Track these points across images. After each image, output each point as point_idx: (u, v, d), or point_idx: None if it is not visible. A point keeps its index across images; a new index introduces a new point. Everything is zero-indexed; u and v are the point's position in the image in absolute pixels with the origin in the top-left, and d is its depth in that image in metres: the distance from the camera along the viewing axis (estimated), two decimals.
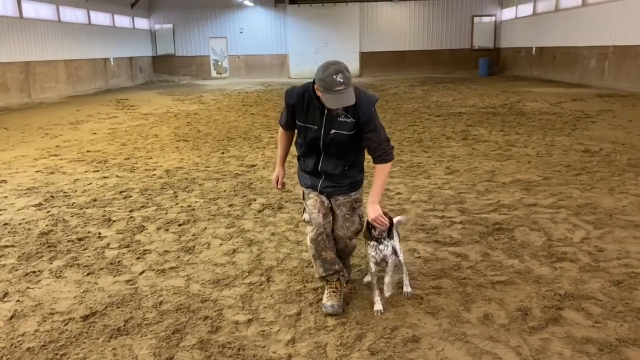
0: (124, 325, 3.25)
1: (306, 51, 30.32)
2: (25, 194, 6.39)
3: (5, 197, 6.25)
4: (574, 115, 11.67)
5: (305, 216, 3.40)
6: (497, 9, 29.61)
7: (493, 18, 29.89)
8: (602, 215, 5.05)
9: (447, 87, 20.48)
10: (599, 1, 19.01)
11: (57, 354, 2.95)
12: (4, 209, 5.75)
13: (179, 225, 5.14)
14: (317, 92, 3.03)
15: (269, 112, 14.04)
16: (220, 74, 31.54)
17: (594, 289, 3.56)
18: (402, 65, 30.46)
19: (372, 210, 3.23)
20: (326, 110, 3.09)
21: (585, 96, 15.55)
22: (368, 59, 30.50)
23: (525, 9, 26.10)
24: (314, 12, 30.17)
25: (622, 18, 17.50)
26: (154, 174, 7.31)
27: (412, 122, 11.54)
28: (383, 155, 3.23)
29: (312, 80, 3.09)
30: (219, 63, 31.54)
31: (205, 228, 5.03)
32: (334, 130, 3.15)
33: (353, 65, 30.60)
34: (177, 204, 5.86)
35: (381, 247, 3.33)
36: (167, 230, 5.02)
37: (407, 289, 3.53)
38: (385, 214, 3.27)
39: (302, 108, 3.18)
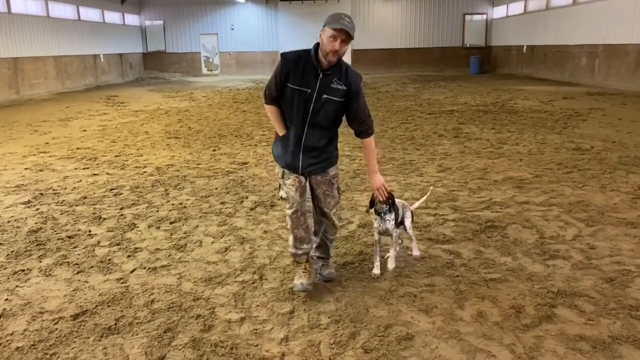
0: (115, 324, 3.21)
1: (297, 48, 29.98)
2: (14, 191, 6.31)
3: None
4: (565, 114, 11.73)
5: (282, 193, 3.53)
6: (488, 7, 29.68)
7: (484, 16, 29.96)
8: (594, 213, 5.06)
9: (439, 85, 20.51)
10: (589, 0, 19.10)
11: (46, 354, 2.90)
12: None
13: (171, 223, 5.10)
14: (320, 37, 3.22)
15: (261, 110, 13.97)
16: (211, 71, 31.39)
17: (586, 287, 3.56)
18: (394, 62, 30.48)
19: (376, 180, 3.52)
20: (320, 75, 3.24)
21: (575, 94, 15.63)
22: (359, 57, 30.45)
23: (516, 7, 26.20)
24: (305, 9, 30.08)
25: (612, 17, 17.60)
26: (145, 172, 7.25)
27: (404, 120, 11.53)
28: (368, 129, 3.45)
29: (309, 49, 3.32)
30: (210, 60, 31.38)
31: (197, 226, 4.99)
32: (325, 95, 3.27)
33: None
34: (168, 201, 5.81)
35: (380, 221, 3.70)
36: (158, 228, 4.97)
37: (415, 252, 4.10)
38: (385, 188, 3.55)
39: (298, 71, 3.25)
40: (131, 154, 8.53)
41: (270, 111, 3.50)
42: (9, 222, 5.17)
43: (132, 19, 29.94)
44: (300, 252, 3.57)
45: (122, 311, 3.37)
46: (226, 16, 30.72)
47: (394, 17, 30.38)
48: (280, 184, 3.57)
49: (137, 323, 3.22)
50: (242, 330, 3.12)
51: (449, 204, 5.46)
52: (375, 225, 3.76)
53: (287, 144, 3.43)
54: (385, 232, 3.76)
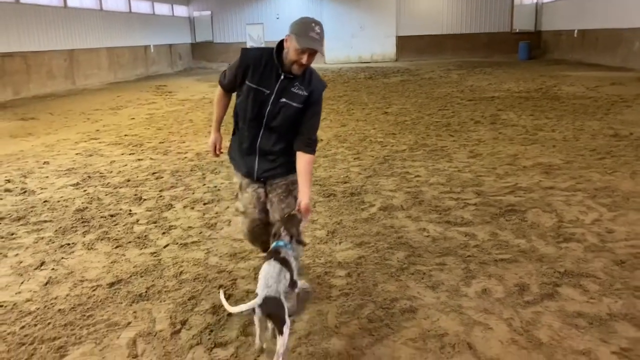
0: (146, 291, 3.55)
1: (342, 36, 30.25)
2: (65, 174, 6.81)
3: (47, 177, 6.68)
4: (609, 100, 11.42)
5: (239, 205, 3.34)
6: None
7: (534, 0, 29.10)
8: (619, 198, 5.06)
9: (484, 72, 20.19)
10: None
11: (84, 315, 3.26)
12: (45, 188, 6.17)
13: (204, 204, 5.43)
14: (286, 42, 2.94)
15: None
16: None
17: (595, 268, 3.64)
18: (440, 49, 30.07)
19: (309, 201, 3.03)
20: (282, 77, 2.98)
21: (625, 80, 15.12)
22: (404, 43, 30.23)
23: None
24: None
25: None
26: (186, 157, 7.64)
27: (443, 107, 11.53)
28: (313, 144, 3.10)
29: (272, 47, 3.05)
30: None
31: (228, 207, 5.30)
32: (284, 100, 3.01)
33: (389, 49, 30.45)
34: (204, 184, 6.15)
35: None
36: (192, 208, 5.31)
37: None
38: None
39: (258, 68, 3.01)
40: (174, 140, 8.95)
41: (217, 95, 3.30)
42: (58, 201, 5.63)
43: (180, 10, 30.74)
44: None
45: (153, 281, 3.71)
46: (272, 6, 31.07)
47: (439, 3, 29.93)
48: (237, 194, 3.38)
49: (165, 291, 3.55)
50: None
51: (473, 189, 5.56)
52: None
53: (241, 146, 3.21)
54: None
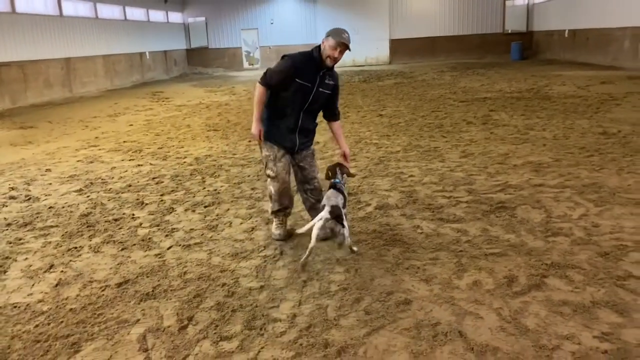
0: (152, 290, 3.71)
1: None
2: (68, 181, 6.96)
3: (50, 184, 6.84)
4: (599, 98, 11.65)
5: (270, 172, 4.31)
6: None
7: (525, 1, 29.42)
8: (605, 194, 5.25)
9: (477, 73, 20.43)
10: None
11: (95, 313, 3.42)
12: (49, 194, 6.32)
13: (205, 207, 5.59)
14: (323, 44, 4.01)
15: None
16: (252, 65, 32.08)
17: (580, 260, 3.82)
18: (433, 51, 30.35)
19: (348, 150, 4.53)
20: (321, 72, 4.08)
21: (615, 79, 15.36)
22: (398, 46, 30.51)
23: None
24: (343, 0, 30.32)
25: None
26: (185, 162, 7.80)
27: (436, 108, 11.73)
28: (339, 114, 4.47)
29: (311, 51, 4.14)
30: (251, 54, 32.08)
31: (228, 209, 5.47)
32: (321, 89, 4.14)
33: (383, 52, 30.72)
34: (204, 188, 6.32)
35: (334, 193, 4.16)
36: (193, 211, 5.48)
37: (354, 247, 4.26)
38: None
39: (304, 69, 4.04)
40: (173, 146, 9.12)
41: (261, 94, 4.14)
42: (63, 207, 5.79)
43: (175, 17, 30.94)
44: (280, 210, 4.46)
45: (158, 281, 3.87)
46: (266, 11, 31.31)
47: (432, 5, 30.22)
48: (266, 163, 4.31)
49: (171, 290, 3.71)
50: (260, 296, 3.56)
51: (465, 187, 5.74)
52: (329, 194, 4.12)
53: (286, 127, 4.22)
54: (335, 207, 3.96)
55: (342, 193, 4.15)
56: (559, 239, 4.22)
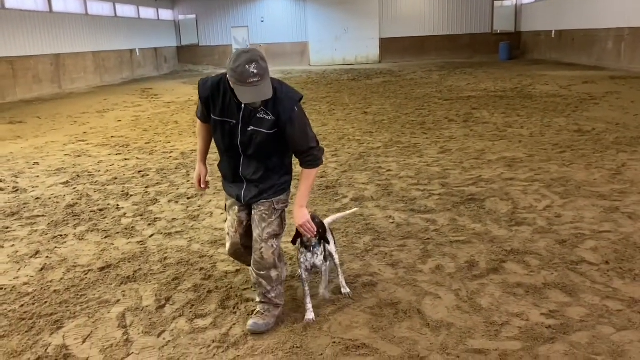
0: (133, 274, 3.90)
1: (326, 38, 30.76)
2: (55, 174, 7.12)
3: (38, 176, 7.00)
4: (579, 98, 11.94)
5: (224, 226, 3.48)
6: None
7: (514, 2, 29.77)
8: (572, 187, 5.49)
9: (465, 72, 20.71)
10: None
11: (77, 295, 3.61)
12: (37, 187, 6.48)
13: (188, 198, 5.79)
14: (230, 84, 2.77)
15: None
16: None
17: (539, 247, 4.06)
18: (422, 50, 30.63)
19: (299, 216, 3.00)
20: (243, 104, 2.82)
21: (597, 79, 15.68)
22: (388, 45, 30.76)
23: None
24: None
25: None
26: (171, 156, 7.98)
27: (420, 106, 11.97)
28: (312, 160, 3.00)
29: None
30: None
31: (210, 200, 5.66)
32: (252, 127, 2.87)
33: (373, 51, 30.95)
34: (188, 181, 6.51)
35: (309, 255, 3.19)
36: (177, 202, 5.67)
37: (345, 290, 3.47)
38: (314, 218, 3.09)
39: (218, 100, 2.89)
40: (160, 141, 9.29)
41: (198, 129, 3.25)
42: (49, 198, 5.96)
43: (166, 14, 31.01)
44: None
45: (139, 265, 4.06)
46: (256, 9, 31.46)
47: (422, 5, 30.50)
48: (226, 217, 3.36)
49: (151, 274, 3.91)
50: (236, 279, 3.76)
51: (440, 181, 5.97)
52: (302, 260, 3.21)
53: (226, 173, 3.16)
54: (313, 268, 3.26)
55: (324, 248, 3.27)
56: (522, 228, 4.45)
